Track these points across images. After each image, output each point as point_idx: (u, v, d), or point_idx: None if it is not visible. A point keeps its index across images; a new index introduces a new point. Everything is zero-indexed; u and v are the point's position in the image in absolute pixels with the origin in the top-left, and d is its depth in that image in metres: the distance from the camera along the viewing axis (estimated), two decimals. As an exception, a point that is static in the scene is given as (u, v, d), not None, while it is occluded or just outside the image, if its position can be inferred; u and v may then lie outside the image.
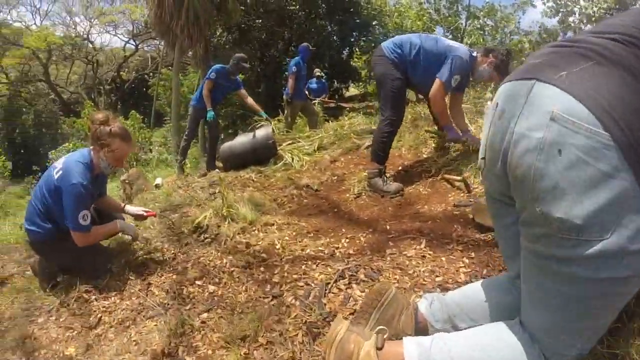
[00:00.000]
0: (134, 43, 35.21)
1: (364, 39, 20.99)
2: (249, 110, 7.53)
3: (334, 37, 21.23)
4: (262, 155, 6.48)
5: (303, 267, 2.94)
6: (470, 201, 3.60)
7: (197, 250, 3.56)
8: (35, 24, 34.55)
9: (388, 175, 4.49)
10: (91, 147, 3.20)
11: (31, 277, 3.59)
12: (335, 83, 21.66)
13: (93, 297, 3.05)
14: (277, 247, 3.35)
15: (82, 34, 34.63)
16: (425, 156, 5.08)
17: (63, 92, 33.90)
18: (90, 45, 35.05)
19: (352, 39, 21.50)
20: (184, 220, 4.22)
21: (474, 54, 4.25)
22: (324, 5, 20.30)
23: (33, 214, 3.19)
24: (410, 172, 4.76)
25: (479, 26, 18.64)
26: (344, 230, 3.59)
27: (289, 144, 7.02)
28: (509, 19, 18.17)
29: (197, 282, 3.03)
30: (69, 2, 34.80)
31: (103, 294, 3.07)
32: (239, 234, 3.69)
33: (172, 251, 3.64)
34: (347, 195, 4.53)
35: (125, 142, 3.19)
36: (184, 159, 7.38)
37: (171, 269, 3.30)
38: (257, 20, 19.36)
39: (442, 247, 2.93)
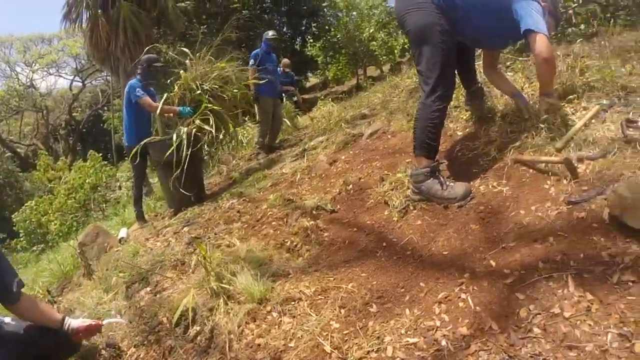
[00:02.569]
0: (80, 79, 32.80)
1: (314, 24, 19.57)
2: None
3: (285, 29, 19.83)
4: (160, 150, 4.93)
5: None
6: (585, 192, 2.26)
7: (188, 363, 2.15)
8: (-27, 84, 31.96)
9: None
10: None
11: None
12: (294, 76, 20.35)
13: None
14: (328, 350, 1.89)
15: (25, 82, 32.23)
16: (460, 134, 3.60)
17: (19, 146, 31.39)
18: (36, 92, 32.64)
19: (303, 27, 20.11)
20: (160, 300, 2.91)
21: None
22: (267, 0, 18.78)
23: None
24: (458, 161, 3.23)
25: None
26: (421, 283, 2.16)
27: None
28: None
29: None
30: (5, 52, 32.20)
31: None
32: (247, 323, 2.25)
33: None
34: (386, 212, 2.99)
35: None
36: (140, 209, 5.71)
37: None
38: (201, 27, 17.71)
39: (600, 282, 1.75)
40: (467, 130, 3.57)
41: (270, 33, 7.36)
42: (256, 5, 18.40)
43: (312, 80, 23.70)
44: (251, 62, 6.89)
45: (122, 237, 5.00)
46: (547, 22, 2.98)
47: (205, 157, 6.09)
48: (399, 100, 5.23)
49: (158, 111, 5.11)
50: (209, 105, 5.01)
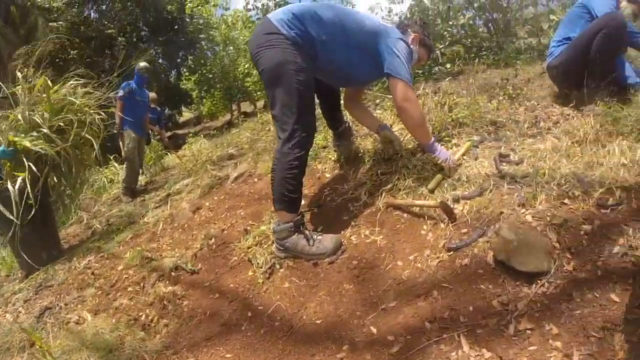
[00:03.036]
0: None
1: (191, 57, 18.73)
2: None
3: (160, 60, 18.88)
4: None
5: None
6: (465, 235, 2.09)
7: None
8: None
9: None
10: None
11: None
12: (167, 110, 19.09)
13: None
14: None
15: None
16: (329, 176, 3.32)
17: None
18: None
19: (179, 59, 19.24)
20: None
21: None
22: (145, 28, 17.77)
23: None
24: (327, 208, 2.90)
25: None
26: (294, 363, 1.79)
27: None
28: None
29: None
30: None
31: None
32: None
33: None
34: (251, 273, 2.56)
35: None
36: None
37: None
38: (72, 52, 16.14)
39: (496, 335, 1.57)
40: (336, 172, 3.29)
41: (142, 64, 6.56)
42: (133, 33, 17.33)
43: (186, 114, 22.69)
44: (120, 93, 6.03)
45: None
46: (419, 53, 2.84)
47: (67, 202, 5.20)
48: (267, 139, 4.89)
49: None
50: (32, 144, 3.87)
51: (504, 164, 2.60)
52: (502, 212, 2.10)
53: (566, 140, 2.72)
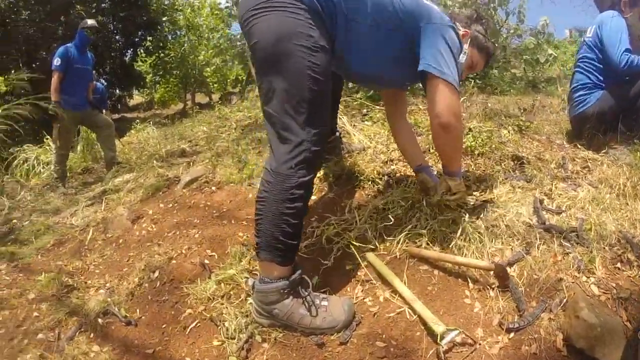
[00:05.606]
0: None
1: (150, 38, 17.04)
2: None
3: (117, 37, 17.13)
4: None
5: None
6: (521, 310, 1.48)
7: None
8: None
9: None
10: None
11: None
12: (118, 90, 17.41)
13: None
14: None
15: None
16: (314, 199, 2.39)
17: None
18: None
19: (137, 39, 17.49)
20: None
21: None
22: (107, -1, 15.79)
23: None
24: (318, 251, 1.97)
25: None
26: None
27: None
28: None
29: None
30: None
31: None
32: None
33: None
34: (217, 343, 1.59)
35: None
36: None
37: None
38: (25, 12, 14.32)
39: None
40: (324, 194, 2.39)
41: (90, 21, 5.07)
42: (93, 3, 15.32)
43: (137, 98, 20.80)
44: (56, 62, 4.72)
45: None
46: (470, 57, 1.95)
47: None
48: (228, 138, 3.83)
49: None
50: None
51: (544, 212, 1.98)
52: (560, 279, 1.56)
53: (606, 191, 2.15)
